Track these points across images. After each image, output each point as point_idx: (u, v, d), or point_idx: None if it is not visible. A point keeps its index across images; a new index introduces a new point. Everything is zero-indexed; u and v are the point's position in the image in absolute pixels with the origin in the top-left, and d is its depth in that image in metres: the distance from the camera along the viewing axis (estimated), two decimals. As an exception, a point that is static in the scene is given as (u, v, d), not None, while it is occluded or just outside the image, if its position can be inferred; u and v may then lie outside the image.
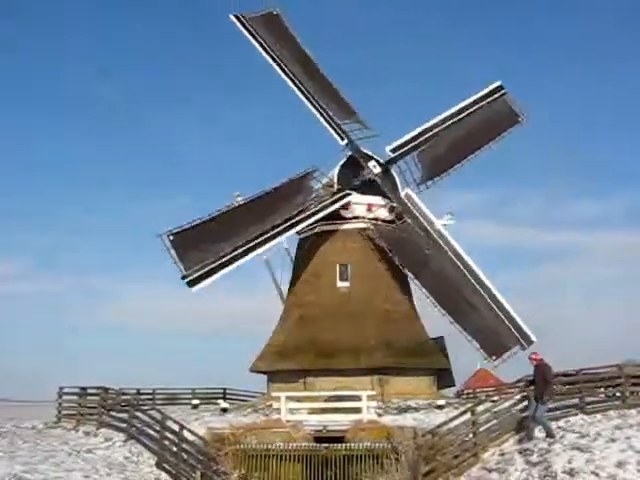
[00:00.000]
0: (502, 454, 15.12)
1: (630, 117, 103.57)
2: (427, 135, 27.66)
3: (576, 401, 17.13)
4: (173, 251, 22.59)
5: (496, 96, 28.89)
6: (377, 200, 26.82)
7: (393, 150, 27.32)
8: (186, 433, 17.14)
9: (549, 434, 14.99)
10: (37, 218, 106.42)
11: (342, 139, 26.73)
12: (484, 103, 28.63)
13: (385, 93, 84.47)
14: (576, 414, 16.63)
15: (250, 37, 27.22)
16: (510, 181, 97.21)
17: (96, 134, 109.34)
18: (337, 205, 25.74)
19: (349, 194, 26.07)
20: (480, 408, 16.28)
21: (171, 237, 22.77)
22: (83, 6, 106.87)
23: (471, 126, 28.21)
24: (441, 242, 26.30)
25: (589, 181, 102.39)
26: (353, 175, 26.84)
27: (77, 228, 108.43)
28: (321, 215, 25.19)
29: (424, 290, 25.21)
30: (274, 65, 26.93)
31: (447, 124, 27.95)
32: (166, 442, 17.16)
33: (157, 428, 17.58)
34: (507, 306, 25.26)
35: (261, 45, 27.13)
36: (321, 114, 26.63)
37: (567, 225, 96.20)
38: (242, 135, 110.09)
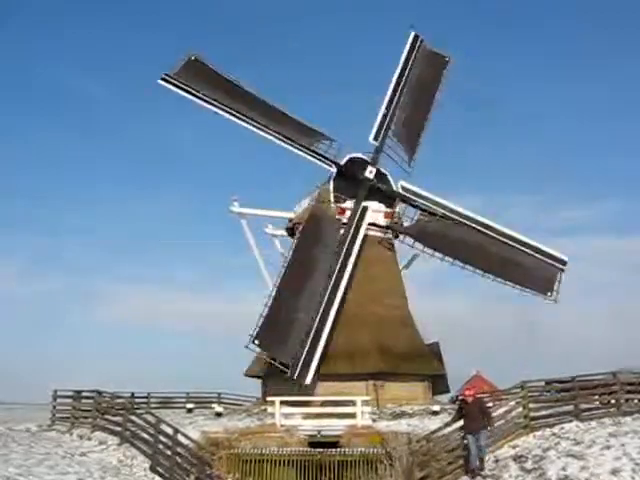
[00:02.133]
0: (496, 460, 15.11)
1: (622, 122, 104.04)
2: (391, 109, 28.04)
3: (571, 408, 17.19)
4: (266, 354, 22.98)
5: (418, 45, 29.93)
6: (374, 206, 26.93)
7: (375, 138, 27.44)
8: (180, 437, 17.07)
9: (481, 466, 14.78)
10: (36, 218, 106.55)
11: (329, 166, 26.76)
12: (413, 56, 29.54)
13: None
14: (571, 421, 16.68)
15: (184, 93, 25.97)
16: (501, 187, 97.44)
17: (96, 134, 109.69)
18: (364, 225, 25.98)
19: (366, 207, 26.29)
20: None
21: (256, 342, 22.57)
22: (83, 6, 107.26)
23: (416, 83, 29.07)
24: (454, 215, 27.11)
25: (579, 187, 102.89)
26: (349, 185, 26.82)
27: (77, 228, 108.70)
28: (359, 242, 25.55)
29: (467, 266, 26.29)
30: (220, 112, 25.97)
31: (399, 91, 28.49)
32: (160, 446, 17.09)
33: (151, 432, 17.52)
34: (531, 241, 27.01)
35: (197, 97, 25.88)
36: (293, 147, 26.22)
37: (558, 231, 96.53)
38: (240, 133, 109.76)
